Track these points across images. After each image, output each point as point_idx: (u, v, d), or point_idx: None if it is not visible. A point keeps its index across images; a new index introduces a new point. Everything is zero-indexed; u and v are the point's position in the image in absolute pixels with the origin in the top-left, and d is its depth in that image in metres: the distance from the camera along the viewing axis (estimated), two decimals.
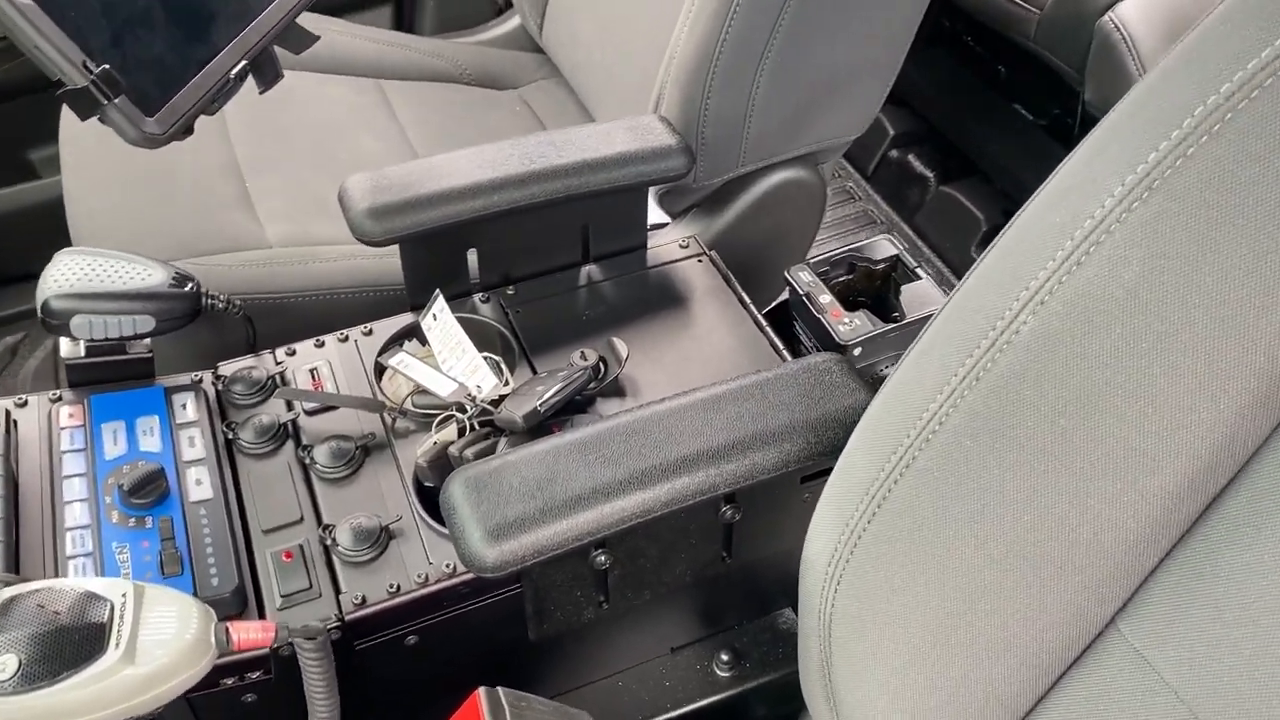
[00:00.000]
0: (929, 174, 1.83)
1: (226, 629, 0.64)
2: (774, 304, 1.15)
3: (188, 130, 0.76)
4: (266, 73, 0.84)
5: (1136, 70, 1.26)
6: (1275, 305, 0.46)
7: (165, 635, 0.62)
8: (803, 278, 1.05)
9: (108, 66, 0.69)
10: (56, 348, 1.62)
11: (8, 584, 0.65)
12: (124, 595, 0.63)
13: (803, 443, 0.73)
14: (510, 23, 1.63)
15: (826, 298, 1.03)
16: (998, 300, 0.56)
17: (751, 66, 1.05)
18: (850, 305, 1.03)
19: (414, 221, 0.90)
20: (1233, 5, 0.49)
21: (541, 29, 1.48)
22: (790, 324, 1.10)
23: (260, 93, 0.85)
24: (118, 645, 0.61)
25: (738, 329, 0.97)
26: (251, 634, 0.65)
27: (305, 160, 1.23)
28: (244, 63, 0.79)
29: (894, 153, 1.88)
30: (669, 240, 1.06)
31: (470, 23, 1.70)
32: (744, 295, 1.00)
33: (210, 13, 0.77)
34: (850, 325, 1.00)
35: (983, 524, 0.58)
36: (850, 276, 1.09)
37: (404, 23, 1.74)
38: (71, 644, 0.60)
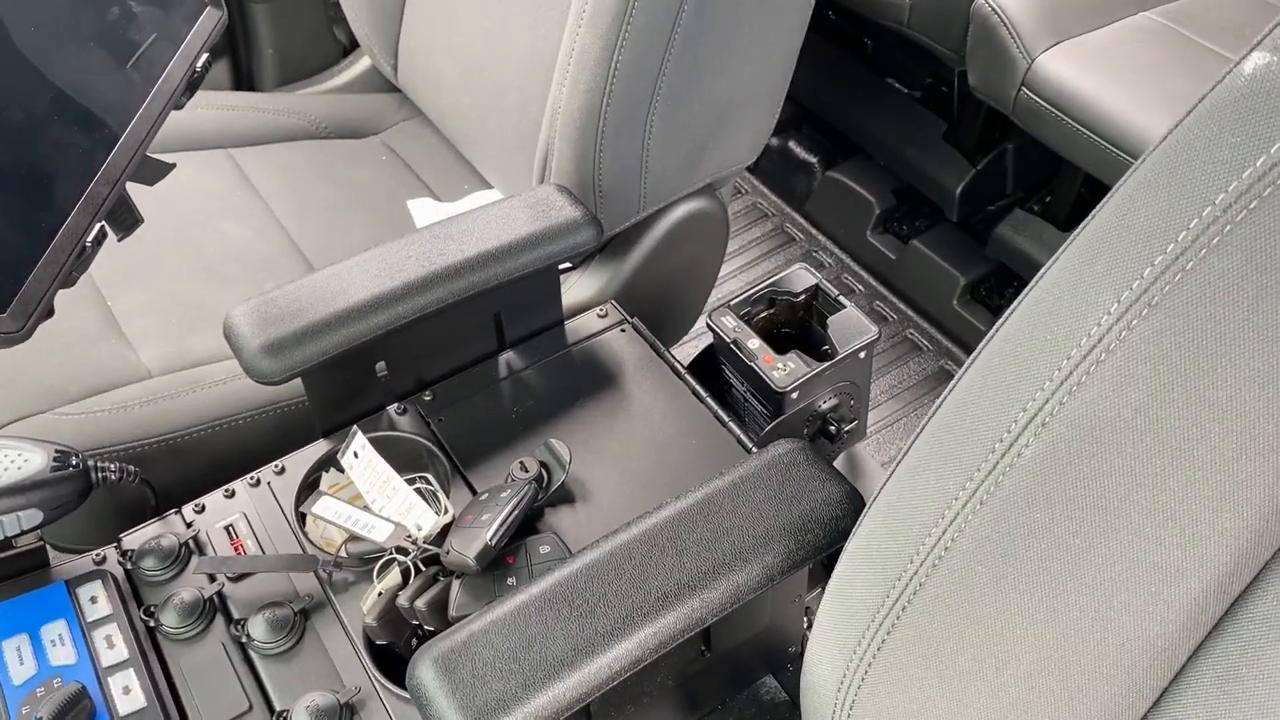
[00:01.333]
0: (813, 160, 1.81)
1: None
2: (700, 351, 1.10)
3: (49, 313, 0.67)
4: (124, 220, 0.74)
5: (1019, 53, 1.25)
6: None
7: None
8: (726, 323, 1.01)
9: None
10: None
11: None
12: None
13: (784, 552, 0.69)
14: (360, 65, 1.53)
15: (755, 343, 0.99)
16: (994, 421, 0.53)
17: (642, 113, 0.99)
18: (777, 342, 1.00)
19: (314, 352, 0.82)
20: (1212, 109, 0.46)
21: (396, 70, 1.39)
22: (718, 368, 1.06)
23: (119, 241, 0.76)
24: None
25: (677, 403, 0.92)
26: None
27: (167, 263, 1.13)
28: (99, 222, 0.70)
29: (774, 141, 1.85)
30: (585, 310, 1.00)
31: (315, 69, 1.58)
32: (676, 364, 0.95)
33: (50, 179, 0.68)
34: (785, 370, 0.97)
35: (1003, 645, 0.55)
36: (772, 311, 1.06)
37: (243, 79, 1.61)
38: None
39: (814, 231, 1.78)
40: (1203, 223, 0.46)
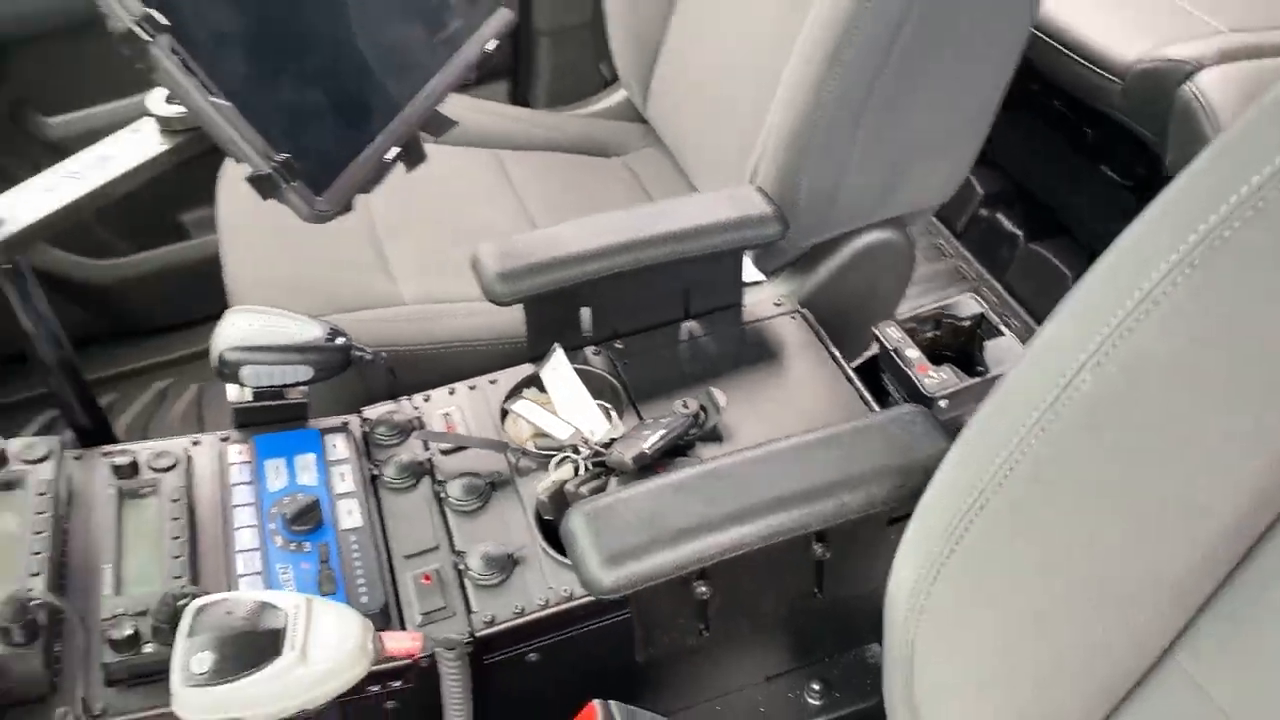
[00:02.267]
0: (1018, 232, 1.89)
1: (380, 638, 0.74)
2: (863, 358, 1.22)
3: (348, 207, 0.88)
4: (414, 155, 0.96)
5: (1214, 138, 1.31)
6: None
7: (332, 641, 0.72)
8: (891, 334, 1.12)
9: (287, 155, 0.82)
10: (200, 393, 1.78)
11: (194, 596, 0.77)
12: (297, 606, 0.73)
13: (888, 486, 0.81)
14: (616, 96, 1.75)
15: (914, 353, 1.10)
16: (1062, 360, 0.62)
17: (843, 140, 1.14)
18: (937, 360, 1.10)
19: (536, 284, 1.00)
20: (1260, 107, 0.56)
21: (645, 102, 1.59)
22: (879, 378, 1.17)
23: (406, 172, 0.97)
24: (293, 648, 0.71)
25: (828, 381, 1.05)
26: (402, 643, 0.75)
27: (434, 226, 1.36)
28: (396, 148, 0.91)
29: (984, 211, 1.94)
30: (763, 298, 1.15)
31: (580, 96, 1.82)
32: (834, 349, 1.07)
33: (368, 107, 0.90)
34: (936, 379, 1.07)
35: (1047, 562, 0.64)
36: (937, 333, 1.16)
37: (519, 97, 1.87)
38: (255, 646, 0.71)
39: (1009, 299, 1.85)
40: (1240, 198, 0.55)
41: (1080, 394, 0.62)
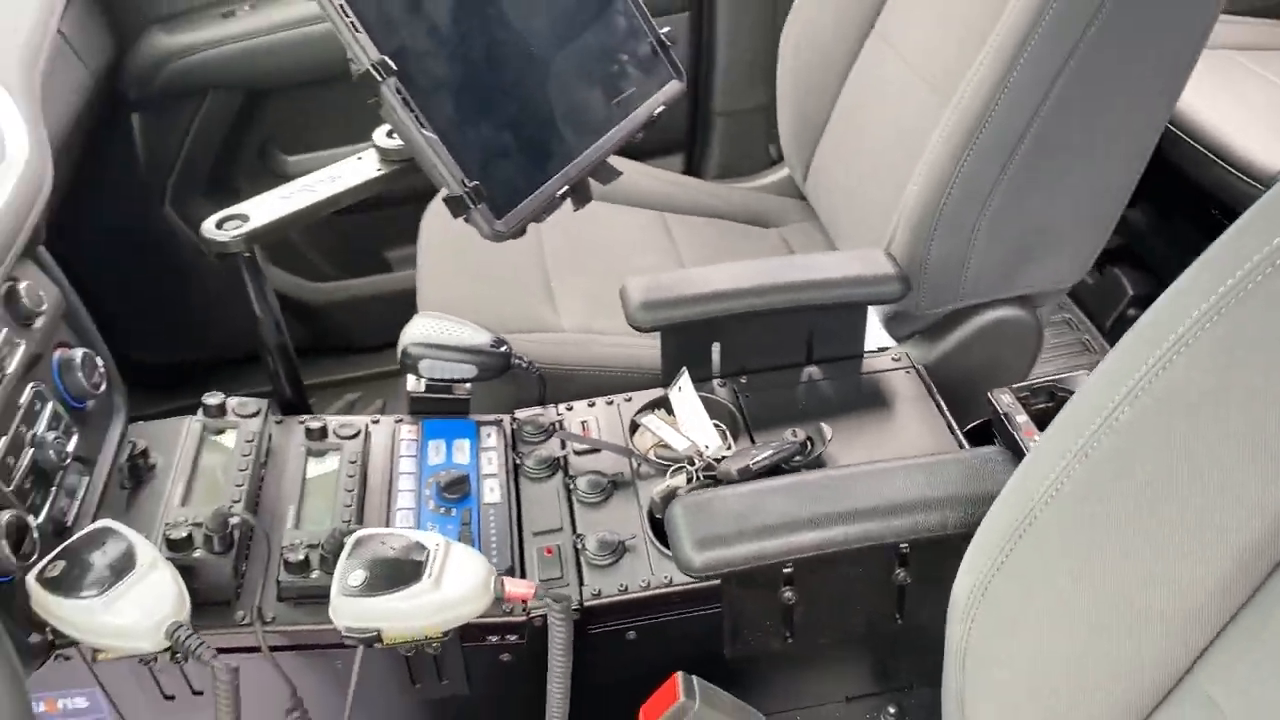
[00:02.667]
0: None
1: (502, 581, 0.88)
2: (977, 422, 1.29)
3: (521, 232, 1.05)
4: (581, 196, 1.12)
5: None
6: None
7: (462, 576, 0.86)
8: (1003, 399, 1.20)
9: (477, 183, 0.99)
10: (383, 407, 1.99)
11: (357, 529, 0.92)
12: (438, 545, 0.88)
13: (961, 513, 0.89)
14: (780, 173, 1.90)
15: (1023, 418, 1.17)
16: (1105, 392, 0.71)
17: (973, 214, 1.23)
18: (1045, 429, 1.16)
19: (673, 315, 1.14)
20: None
21: (805, 179, 1.72)
22: (990, 442, 1.24)
23: (574, 210, 1.13)
24: (430, 576, 0.85)
25: (933, 431, 1.13)
26: (519, 588, 0.88)
27: (597, 269, 1.52)
28: (566, 187, 1.08)
29: (1132, 311, 1.97)
30: (884, 355, 1.24)
31: (747, 171, 1.98)
32: (940, 401, 1.16)
33: (548, 151, 1.07)
34: None
35: (1083, 578, 0.72)
36: (1049, 404, 1.22)
37: (692, 169, 2.04)
38: (400, 571, 0.86)
39: None
40: (1263, 256, 0.63)
41: (1119, 424, 0.70)
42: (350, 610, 0.85)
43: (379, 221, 1.98)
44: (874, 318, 1.31)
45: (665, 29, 1.24)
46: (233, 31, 1.77)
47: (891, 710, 1.06)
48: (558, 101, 1.10)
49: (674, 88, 1.22)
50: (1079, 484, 0.72)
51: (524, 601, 0.90)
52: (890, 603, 0.99)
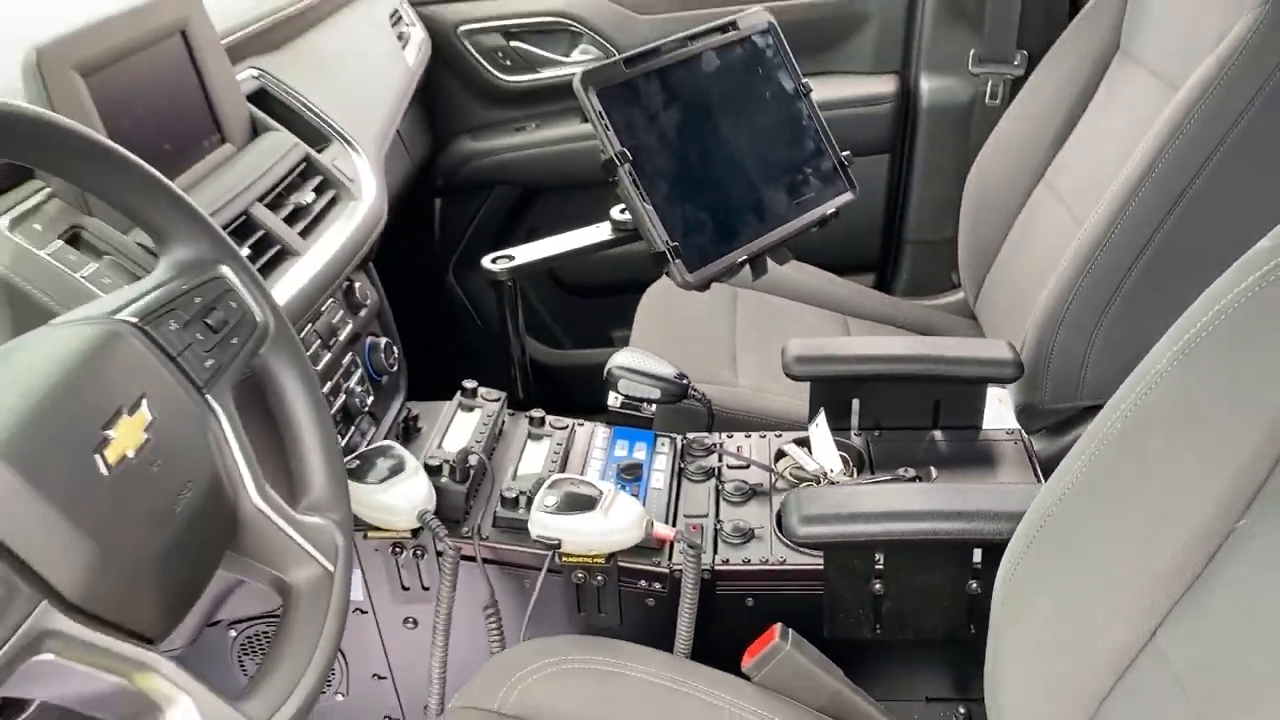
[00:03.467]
0: None
1: (651, 522, 1.17)
2: None
3: (706, 287, 1.37)
4: (758, 268, 1.43)
5: None
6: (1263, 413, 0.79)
7: (624, 513, 1.16)
8: None
9: (677, 244, 1.32)
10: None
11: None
12: (609, 490, 1.18)
13: None
14: (957, 295, 2.14)
15: None
16: (1110, 413, 0.93)
17: (1092, 320, 1.45)
18: None
19: (821, 369, 1.42)
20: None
21: (976, 301, 1.97)
22: None
23: (753, 279, 1.45)
24: (601, 510, 1.16)
25: (1022, 479, 1.34)
26: (663, 530, 1.16)
27: (774, 348, 1.81)
28: (746, 259, 1.40)
29: None
30: (1002, 430, 1.46)
31: (930, 292, 2.23)
32: (1036, 465, 1.36)
33: (736, 228, 1.39)
34: None
35: (1080, 554, 0.93)
36: None
37: (882, 286, 2.32)
38: (581, 503, 1.17)
39: None
40: (1220, 308, 0.85)
41: (1114, 434, 0.92)
42: (542, 522, 1.16)
43: (607, 305, 2.36)
44: (1008, 407, 1.53)
45: (845, 152, 1.55)
46: (519, 142, 2.24)
47: (962, 710, 1.24)
48: (748, 195, 1.43)
49: (847, 197, 1.53)
50: (1083, 479, 0.94)
51: (667, 543, 1.19)
52: (964, 611, 1.20)
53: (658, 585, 1.25)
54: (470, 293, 2.40)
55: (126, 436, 0.69)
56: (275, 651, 0.78)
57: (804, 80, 1.53)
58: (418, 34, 2.08)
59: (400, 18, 2.03)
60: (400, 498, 1.17)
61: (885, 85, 2.19)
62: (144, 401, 0.72)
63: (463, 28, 2.18)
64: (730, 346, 1.82)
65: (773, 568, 1.23)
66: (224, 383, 0.81)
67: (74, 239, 1.02)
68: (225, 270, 0.86)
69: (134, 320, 0.77)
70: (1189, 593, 0.86)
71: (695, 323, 1.86)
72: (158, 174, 0.83)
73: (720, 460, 1.41)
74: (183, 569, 0.73)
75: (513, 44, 2.20)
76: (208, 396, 0.79)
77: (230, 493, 0.79)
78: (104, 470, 0.67)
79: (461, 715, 1.07)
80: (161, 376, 0.75)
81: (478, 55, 2.20)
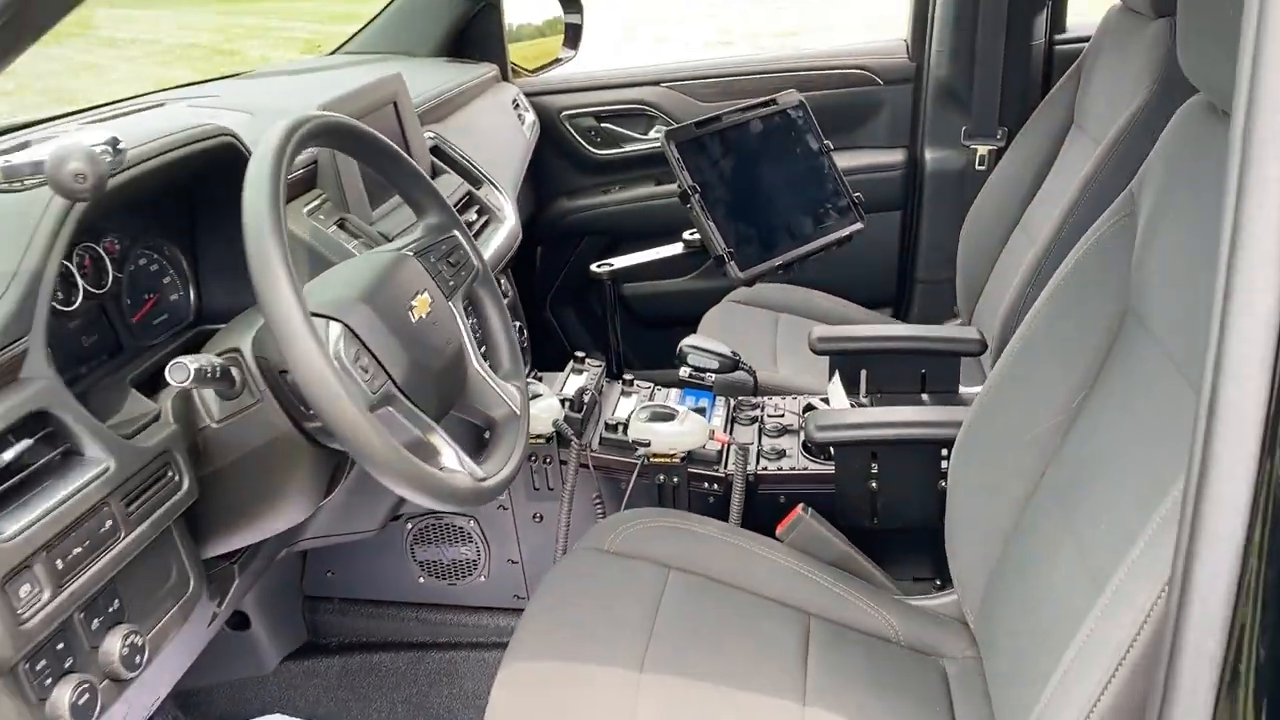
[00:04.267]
0: None
1: (712, 430, 1.66)
2: None
3: (753, 282, 1.88)
4: (790, 271, 1.95)
5: None
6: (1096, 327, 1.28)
7: (694, 424, 1.66)
8: None
9: (732, 249, 1.84)
10: None
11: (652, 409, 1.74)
12: (684, 410, 1.68)
13: None
14: (956, 322, 2.62)
15: None
16: (1019, 331, 1.42)
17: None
18: None
19: (835, 346, 1.91)
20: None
21: (969, 320, 2.45)
22: None
23: (787, 278, 1.96)
24: (678, 420, 1.65)
25: None
26: (721, 435, 1.65)
27: (806, 353, 2.31)
28: (781, 263, 1.91)
29: None
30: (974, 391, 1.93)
31: (937, 322, 2.71)
32: None
33: (773, 242, 1.91)
34: None
35: (1007, 411, 1.41)
36: None
37: (898, 315, 2.81)
38: (664, 416, 1.67)
39: None
40: (1071, 264, 1.35)
41: (1014, 350, 1.40)
42: (637, 428, 1.66)
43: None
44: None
45: (857, 194, 2.07)
46: (604, 200, 2.80)
47: (937, 582, 1.69)
48: (783, 219, 1.96)
49: (857, 226, 2.04)
50: (994, 388, 1.42)
51: (723, 448, 1.67)
52: (937, 504, 1.65)
53: (716, 486, 1.73)
54: (563, 324, 2.93)
55: (421, 306, 1.21)
56: (490, 452, 1.27)
57: (825, 141, 2.07)
58: (529, 117, 2.66)
59: (518, 104, 2.61)
60: (543, 409, 1.68)
61: (896, 156, 2.72)
62: (425, 292, 1.24)
63: (564, 113, 2.76)
64: (772, 350, 2.31)
65: (798, 473, 1.71)
66: (458, 296, 1.33)
67: (341, 224, 1.56)
68: (455, 233, 1.38)
69: (411, 253, 1.29)
70: (1060, 447, 1.33)
71: (744, 334, 2.37)
72: (423, 173, 1.36)
73: (762, 410, 1.90)
74: (444, 388, 1.23)
75: (603, 125, 2.78)
76: (450, 302, 1.31)
77: (464, 358, 1.29)
78: (413, 319, 1.18)
79: (581, 554, 1.55)
80: (430, 283, 1.27)
81: (575, 134, 2.77)
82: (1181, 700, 0.75)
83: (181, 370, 1.06)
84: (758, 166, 1.97)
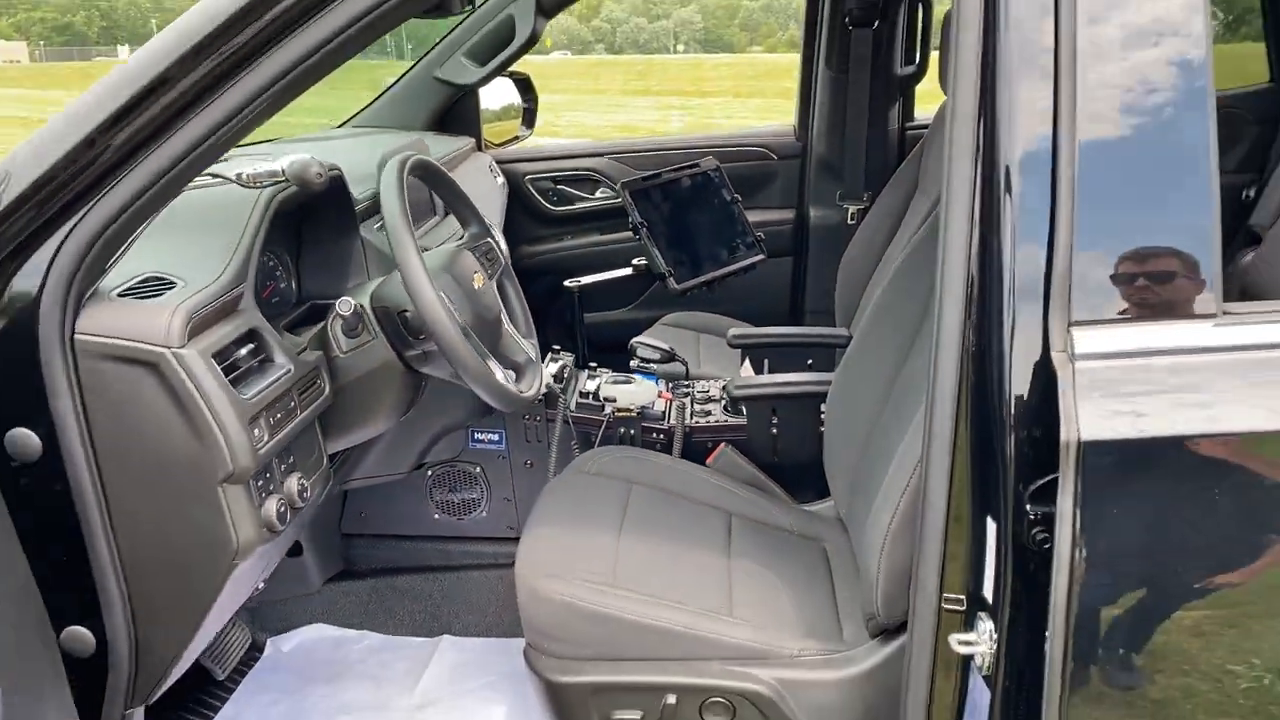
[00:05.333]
0: None
1: (660, 392, 2.26)
2: None
3: (685, 294, 2.51)
4: (713, 287, 2.58)
5: None
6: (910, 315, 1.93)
7: (646, 385, 2.26)
8: None
9: (671, 269, 2.47)
10: None
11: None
12: (637, 379, 2.28)
13: None
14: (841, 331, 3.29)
15: None
16: (874, 295, 2.08)
17: None
18: None
19: (745, 341, 2.54)
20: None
21: (848, 325, 3.12)
22: None
23: (711, 293, 2.60)
24: (636, 383, 2.25)
25: None
26: (667, 394, 2.26)
27: (723, 351, 2.94)
28: (703, 282, 2.54)
29: None
30: None
31: None
32: None
33: (699, 265, 2.55)
34: None
35: (853, 379, 2.05)
36: None
37: None
38: (624, 381, 2.26)
39: None
40: (899, 263, 2.01)
41: (863, 327, 2.06)
42: (605, 389, 2.26)
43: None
44: None
45: (760, 232, 2.73)
46: (559, 246, 3.41)
47: (830, 503, 2.30)
48: (706, 249, 2.60)
49: (759, 257, 2.70)
50: (851, 357, 2.06)
51: (667, 402, 2.27)
52: (819, 441, 2.28)
53: (661, 435, 2.33)
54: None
55: (478, 280, 1.80)
56: (520, 381, 1.85)
57: (736, 194, 2.73)
58: (500, 179, 3.28)
59: (492, 168, 3.23)
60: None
61: (788, 214, 3.42)
62: (479, 272, 1.83)
63: (528, 176, 3.39)
64: (697, 359, 2.93)
65: (721, 424, 2.32)
66: (492, 281, 1.92)
67: None
68: (489, 239, 1.97)
69: (468, 247, 1.88)
70: (893, 385, 1.97)
71: (675, 347, 2.99)
72: (467, 196, 1.96)
73: (692, 388, 2.51)
74: (490, 336, 1.82)
75: (559, 186, 3.41)
76: (490, 283, 1.90)
77: (501, 320, 1.88)
78: (476, 287, 1.77)
79: (568, 475, 2.11)
80: (480, 267, 1.86)
81: (536, 193, 3.40)
82: (931, 519, 1.30)
83: (346, 304, 1.63)
84: (688, 211, 2.62)
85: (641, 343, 2.53)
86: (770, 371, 2.53)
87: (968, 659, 1.27)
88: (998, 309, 1.12)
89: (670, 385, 2.52)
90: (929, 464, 1.23)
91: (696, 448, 2.33)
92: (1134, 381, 1.10)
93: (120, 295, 1.43)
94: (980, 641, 1.22)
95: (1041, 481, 1.13)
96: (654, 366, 2.55)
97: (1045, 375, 1.11)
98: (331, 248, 1.96)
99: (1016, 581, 1.17)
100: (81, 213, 1.34)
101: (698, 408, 2.41)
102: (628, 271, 2.66)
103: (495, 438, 2.37)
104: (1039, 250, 1.12)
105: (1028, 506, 1.14)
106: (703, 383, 2.55)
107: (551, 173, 3.41)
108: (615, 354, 3.26)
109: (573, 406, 2.35)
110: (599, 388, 2.31)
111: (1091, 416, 1.09)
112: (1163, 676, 1.19)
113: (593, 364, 2.54)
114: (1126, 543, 1.11)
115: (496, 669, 2.25)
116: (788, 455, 2.30)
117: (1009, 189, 1.12)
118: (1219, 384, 1.10)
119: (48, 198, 1.31)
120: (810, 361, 2.55)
